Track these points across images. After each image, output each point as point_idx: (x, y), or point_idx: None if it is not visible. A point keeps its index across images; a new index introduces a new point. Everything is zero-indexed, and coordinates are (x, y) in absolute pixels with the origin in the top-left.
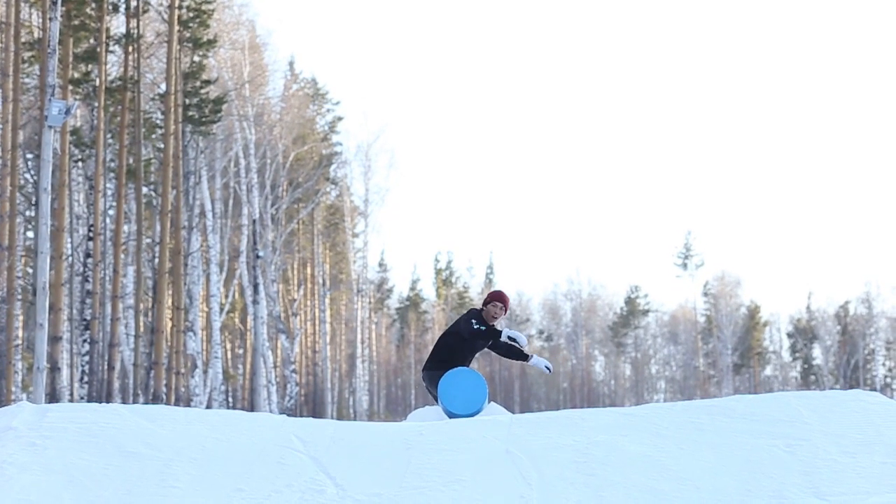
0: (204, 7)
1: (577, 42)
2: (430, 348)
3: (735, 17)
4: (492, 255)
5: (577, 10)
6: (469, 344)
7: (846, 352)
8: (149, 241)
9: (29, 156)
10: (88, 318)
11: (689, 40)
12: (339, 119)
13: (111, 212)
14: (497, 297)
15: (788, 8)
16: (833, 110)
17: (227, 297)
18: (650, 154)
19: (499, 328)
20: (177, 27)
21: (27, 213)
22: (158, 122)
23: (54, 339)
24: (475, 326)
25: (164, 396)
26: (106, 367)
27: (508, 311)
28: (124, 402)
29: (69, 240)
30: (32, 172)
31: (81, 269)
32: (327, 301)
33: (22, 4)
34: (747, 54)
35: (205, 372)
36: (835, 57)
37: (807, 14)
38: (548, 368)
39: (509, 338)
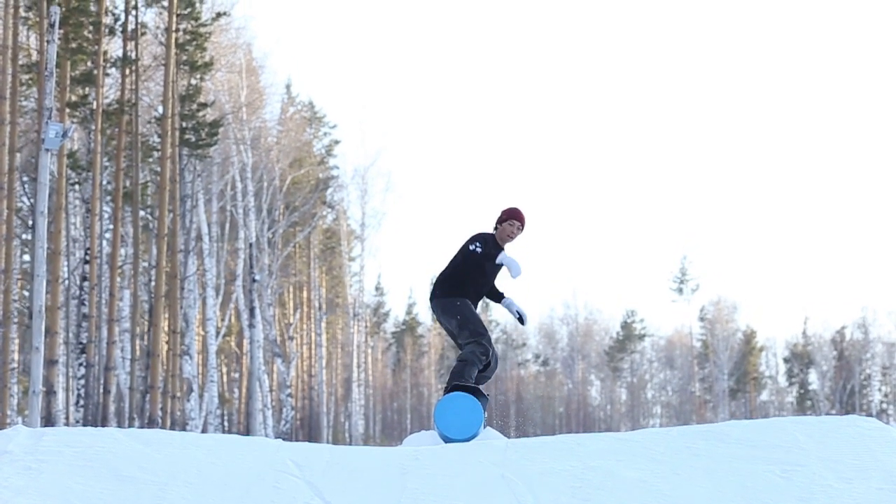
0: (201, 30)
1: (573, 66)
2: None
3: (732, 40)
4: None
5: (572, 40)
6: (480, 267)
7: (842, 377)
8: (145, 264)
9: (25, 179)
10: (84, 341)
11: (683, 64)
12: (336, 142)
13: (108, 235)
14: (513, 215)
15: (787, 34)
16: (829, 134)
17: (223, 320)
18: (646, 179)
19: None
20: (174, 50)
21: (23, 236)
22: (155, 145)
23: (50, 363)
24: (471, 248)
25: (160, 420)
26: (102, 390)
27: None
28: (120, 425)
29: (65, 263)
30: (29, 195)
31: (77, 292)
32: (323, 325)
33: (20, 27)
34: (741, 78)
35: (200, 396)
36: (828, 81)
37: (804, 40)
38: (520, 317)
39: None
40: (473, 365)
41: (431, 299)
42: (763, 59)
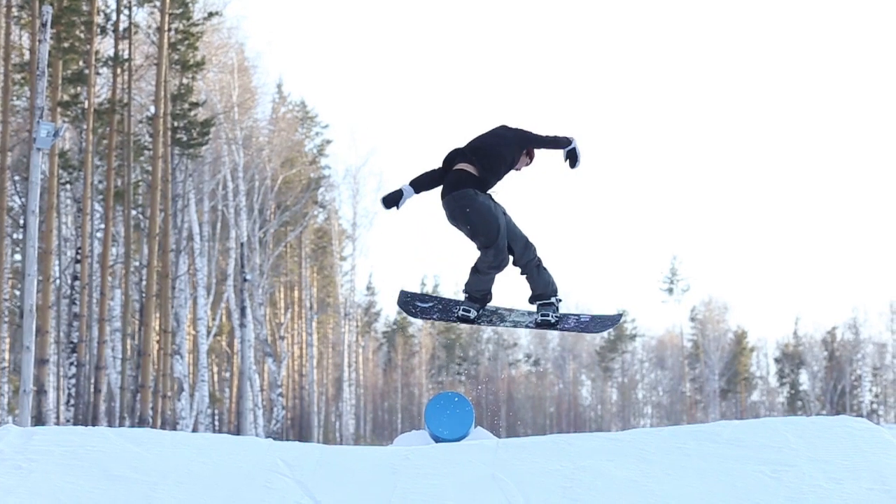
0: (193, 30)
1: (563, 66)
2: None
3: (717, 40)
4: None
5: (561, 39)
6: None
7: (833, 377)
8: (136, 263)
9: (17, 178)
10: (75, 340)
11: (672, 65)
12: (328, 142)
13: (99, 234)
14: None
15: (772, 34)
16: (821, 135)
17: (214, 320)
18: (637, 179)
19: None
20: (166, 50)
21: (14, 235)
22: (147, 144)
23: (41, 362)
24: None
25: (151, 420)
26: (92, 389)
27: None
28: (110, 425)
29: (57, 262)
30: (20, 194)
31: (69, 291)
32: (314, 325)
33: (12, 27)
34: (730, 78)
35: (191, 395)
36: (817, 80)
37: (790, 39)
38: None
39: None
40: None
41: (462, 198)
42: (753, 59)
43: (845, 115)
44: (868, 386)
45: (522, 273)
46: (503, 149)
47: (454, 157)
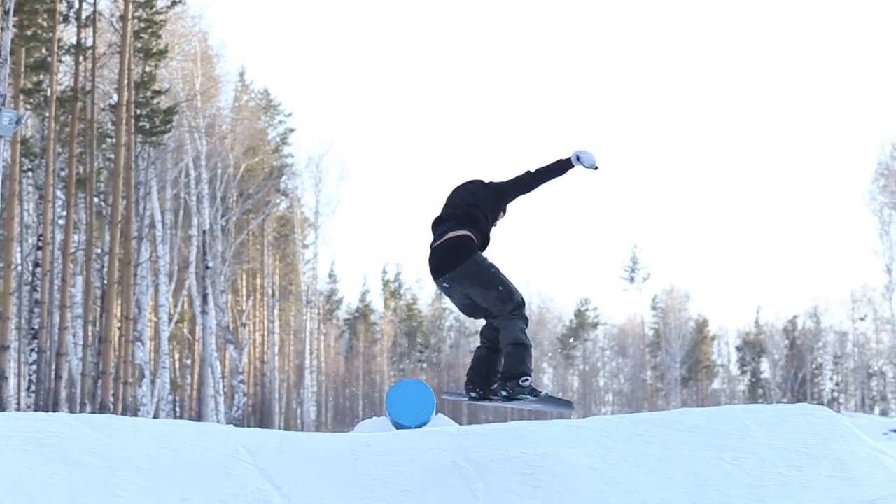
0: (156, 17)
1: (524, 54)
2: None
3: (680, 30)
4: None
5: (520, 23)
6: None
7: (794, 366)
8: (98, 251)
9: None
10: (36, 327)
11: (628, 53)
12: (291, 131)
13: (61, 222)
14: None
15: (738, 28)
16: (780, 126)
17: (175, 307)
18: (597, 166)
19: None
20: (130, 38)
21: None
22: (109, 132)
23: (1, 348)
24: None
25: (112, 406)
26: (53, 376)
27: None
28: (71, 411)
29: (18, 249)
30: None
31: (30, 278)
32: (276, 312)
33: None
34: (690, 64)
35: (152, 382)
36: (780, 67)
37: (756, 34)
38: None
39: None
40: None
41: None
42: (713, 45)
43: (805, 104)
44: (829, 374)
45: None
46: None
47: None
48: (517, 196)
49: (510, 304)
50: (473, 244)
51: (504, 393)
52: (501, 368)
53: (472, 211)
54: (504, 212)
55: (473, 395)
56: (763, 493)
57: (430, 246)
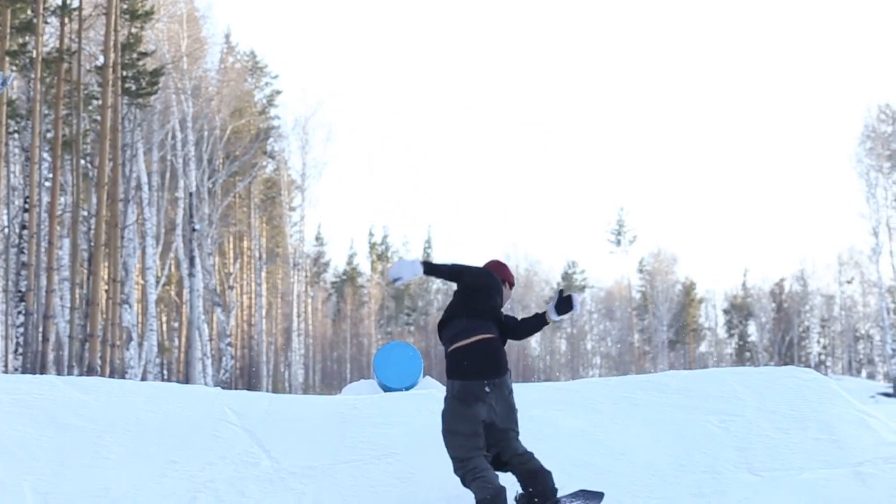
0: None
1: (513, 14)
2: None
3: None
4: (430, 230)
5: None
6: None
7: (781, 329)
8: (85, 213)
9: None
10: (23, 289)
11: (617, 20)
12: (278, 93)
13: (47, 183)
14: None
15: None
16: (768, 87)
17: (162, 269)
18: (584, 129)
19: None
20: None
21: None
22: (95, 93)
23: None
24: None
25: (99, 368)
26: (41, 338)
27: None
28: (59, 373)
29: (5, 211)
30: None
31: (17, 240)
32: (263, 275)
33: None
34: (675, 27)
35: (140, 344)
36: (765, 34)
37: None
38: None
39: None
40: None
41: (493, 377)
42: (703, 5)
43: (792, 67)
44: (816, 338)
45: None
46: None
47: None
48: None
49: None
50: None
51: None
52: (536, 488)
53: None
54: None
55: None
56: (750, 455)
57: (468, 336)
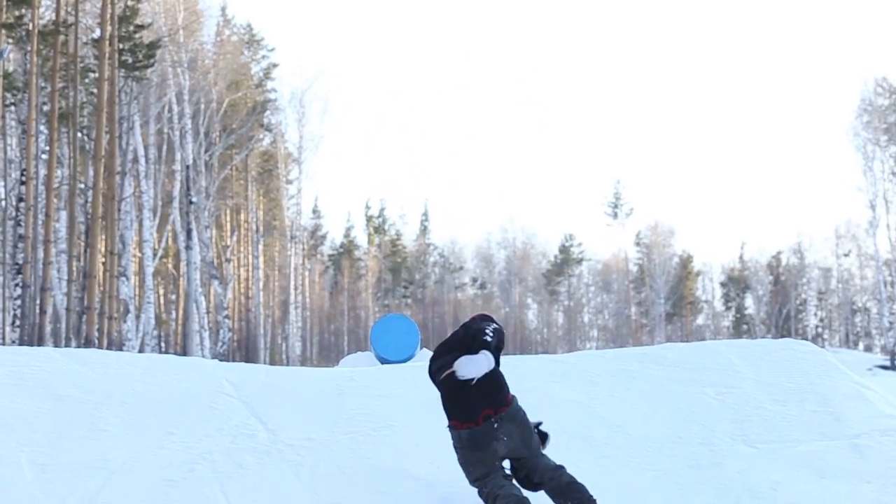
0: None
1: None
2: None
3: None
4: (427, 203)
5: None
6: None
7: (778, 302)
8: (82, 185)
9: None
10: (20, 262)
11: None
12: (274, 66)
13: (44, 156)
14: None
15: None
16: (765, 60)
17: (160, 242)
18: (581, 101)
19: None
20: None
21: None
22: (91, 66)
23: None
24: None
25: (97, 341)
26: (38, 311)
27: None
28: (56, 346)
29: (2, 184)
30: None
31: (14, 213)
32: (260, 247)
33: None
34: (675, 5)
35: (137, 317)
36: (763, 7)
37: None
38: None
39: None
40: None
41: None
42: None
43: (790, 40)
44: (813, 311)
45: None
46: None
47: None
48: None
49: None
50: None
51: None
52: (574, 501)
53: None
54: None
55: None
56: (747, 427)
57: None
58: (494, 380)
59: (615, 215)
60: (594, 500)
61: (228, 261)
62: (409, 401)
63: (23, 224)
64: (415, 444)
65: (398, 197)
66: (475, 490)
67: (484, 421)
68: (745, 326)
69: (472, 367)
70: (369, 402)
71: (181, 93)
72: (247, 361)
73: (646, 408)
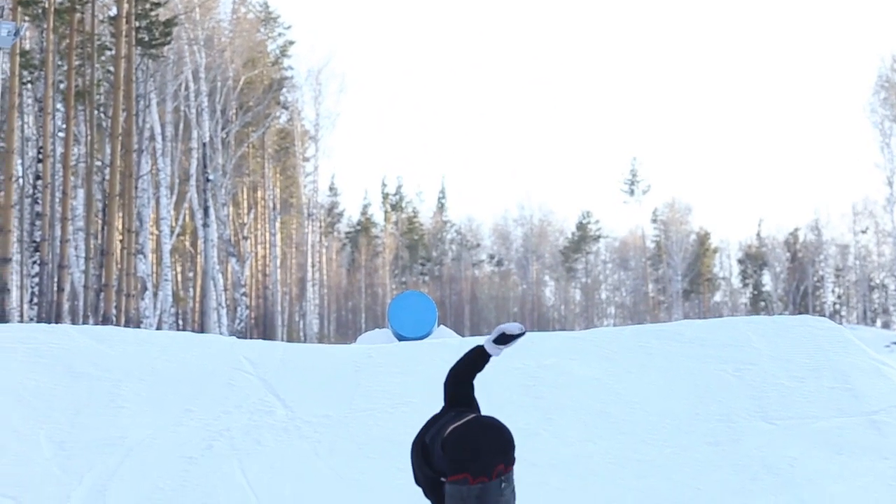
0: None
1: None
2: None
3: None
4: (444, 180)
5: None
6: None
7: (795, 279)
8: (99, 163)
9: None
10: (38, 239)
11: None
12: (291, 43)
13: (61, 134)
14: None
15: None
16: (782, 36)
17: (177, 220)
18: (598, 78)
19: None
20: None
21: None
22: (108, 44)
23: (4, 261)
24: None
25: (114, 318)
26: (56, 288)
27: None
28: (74, 323)
29: (19, 162)
30: None
31: (31, 191)
32: (277, 225)
33: None
34: None
35: (155, 294)
36: None
37: None
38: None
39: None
40: None
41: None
42: None
43: (806, 16)
44: (831, 287)
45: None
46: None
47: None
48: None
49: None
50: None
51: None
52: None
53: None
54: None
55: None
56: (765, 403)
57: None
58: (507, 433)
59: (632, 192)
60: None
61: (246, 238)
62: (427, 377)
63: (40, 202)
64: None
65: (415, 174)
66: None
67: (497, 477)
68: (762, 303)
69: (514, 325)
70: (387, 379)
71: (197, 70)
72: (264, 339)
73: (664, 384)
